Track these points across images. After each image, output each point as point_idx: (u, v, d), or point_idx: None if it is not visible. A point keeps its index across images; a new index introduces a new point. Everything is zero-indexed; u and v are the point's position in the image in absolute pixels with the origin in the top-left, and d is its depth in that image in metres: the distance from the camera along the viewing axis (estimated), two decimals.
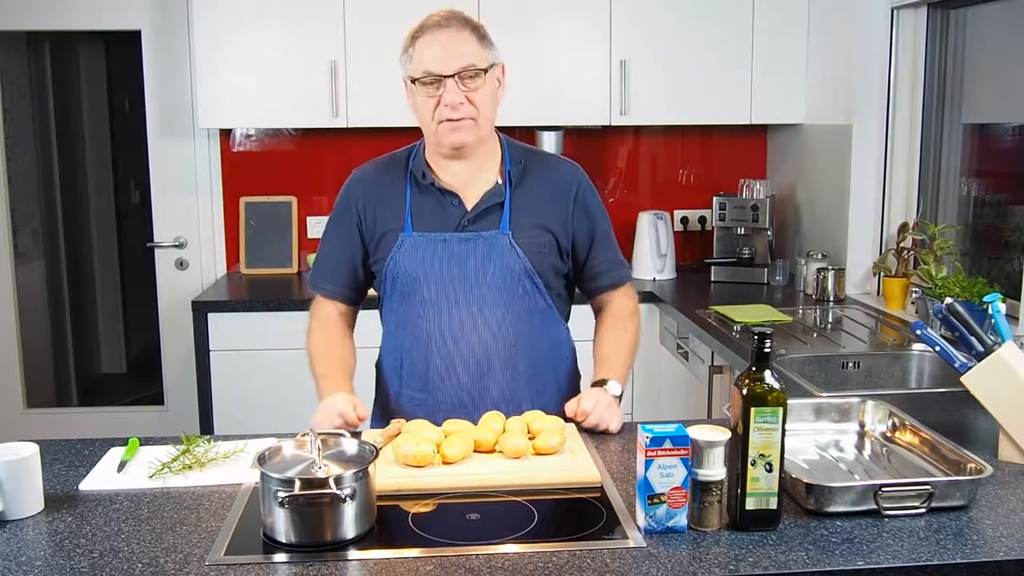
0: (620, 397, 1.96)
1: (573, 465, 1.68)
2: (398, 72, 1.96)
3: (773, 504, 1.45)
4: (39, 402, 4.51)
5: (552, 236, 1.99)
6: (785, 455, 1.46)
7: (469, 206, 1.97)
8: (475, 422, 1.80)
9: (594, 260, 2.05)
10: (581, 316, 2.16)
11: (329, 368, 1.99)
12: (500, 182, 1.98)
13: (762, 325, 2.69)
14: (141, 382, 5.09)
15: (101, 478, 1.68)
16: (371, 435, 1.80)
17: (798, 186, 3.95)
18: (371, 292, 2.13)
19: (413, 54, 1.89)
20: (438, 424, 1.80)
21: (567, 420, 1.87)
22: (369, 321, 2.15)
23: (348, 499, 1.40)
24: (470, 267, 1.95)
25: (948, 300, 1.83)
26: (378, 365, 2.13)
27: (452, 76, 1.86)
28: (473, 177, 1.98)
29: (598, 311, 2.13)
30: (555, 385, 2.05)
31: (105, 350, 5.73)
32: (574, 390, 2.08)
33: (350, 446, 1.54)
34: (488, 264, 1.95)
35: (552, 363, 2.05)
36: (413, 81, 1.90)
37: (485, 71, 1.89)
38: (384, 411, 2.08)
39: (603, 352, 2.05)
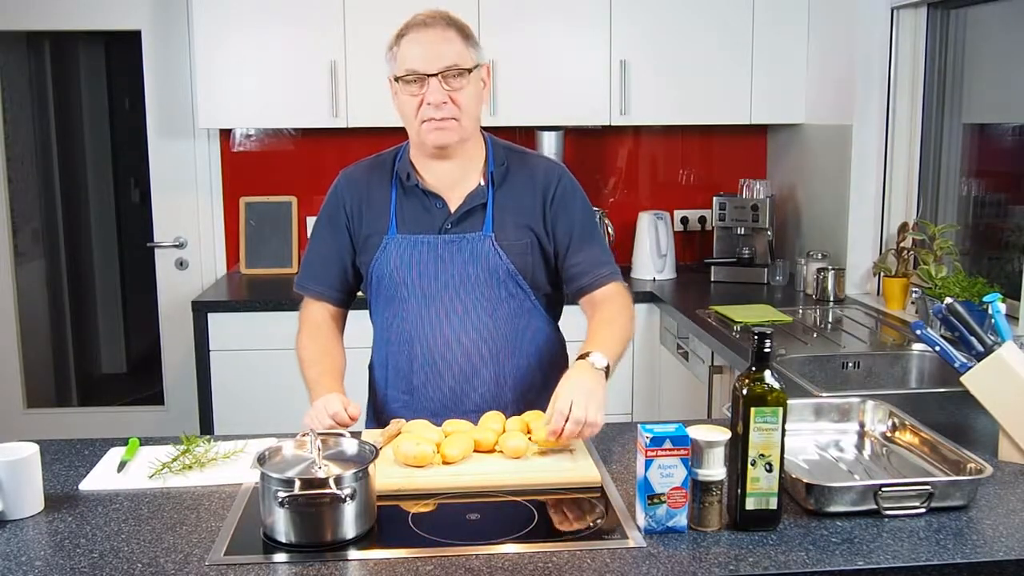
0: (607, 371, 1.77)
1: (573, 465, 1.68)
2: None
3: (773, 504, 1.45)
4: (39, 402, 4.51)
5: (535, 236, 1.97)
6: (785, 455, 1.46)
7: (452, 208, 1.96)
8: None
9: (573, 259, 1.99)
10: (573, 318, 2.10)
11: (320, 373, 1.95)
12: (483, 183, 1.97)
13: (762, 325, 2.70)
14: (141, 382, 5.09)
15: (101, 478, 1.68)
16: (371, 435, 1.80)
17: (798, 186, 3.95)
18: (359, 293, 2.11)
19: (397, 53, 1.89)
20: None
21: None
22: (364, 321, 2.15)
23: (348, 499, 1.40)
24: (453, 270, 1.94)
25: (948, 300, 1.83)
26: (370, 366, 2.13)
27: (436, 75, 1.85)
28: (457, 179, 1.96)
29: (589, 316, 1.99)
30: (543, 387, 1.97)
31: (105, 350, 5.73)
32: None
33: (350, 446, 1.54)
34: (471, 267, 1.94)
35: (540, 365, 2.03)
36: (397, 79, 1.89)
37: (469, 71, 1.88)
38: (376, 411, 2.08)
39: (588, 333, 1.92)
